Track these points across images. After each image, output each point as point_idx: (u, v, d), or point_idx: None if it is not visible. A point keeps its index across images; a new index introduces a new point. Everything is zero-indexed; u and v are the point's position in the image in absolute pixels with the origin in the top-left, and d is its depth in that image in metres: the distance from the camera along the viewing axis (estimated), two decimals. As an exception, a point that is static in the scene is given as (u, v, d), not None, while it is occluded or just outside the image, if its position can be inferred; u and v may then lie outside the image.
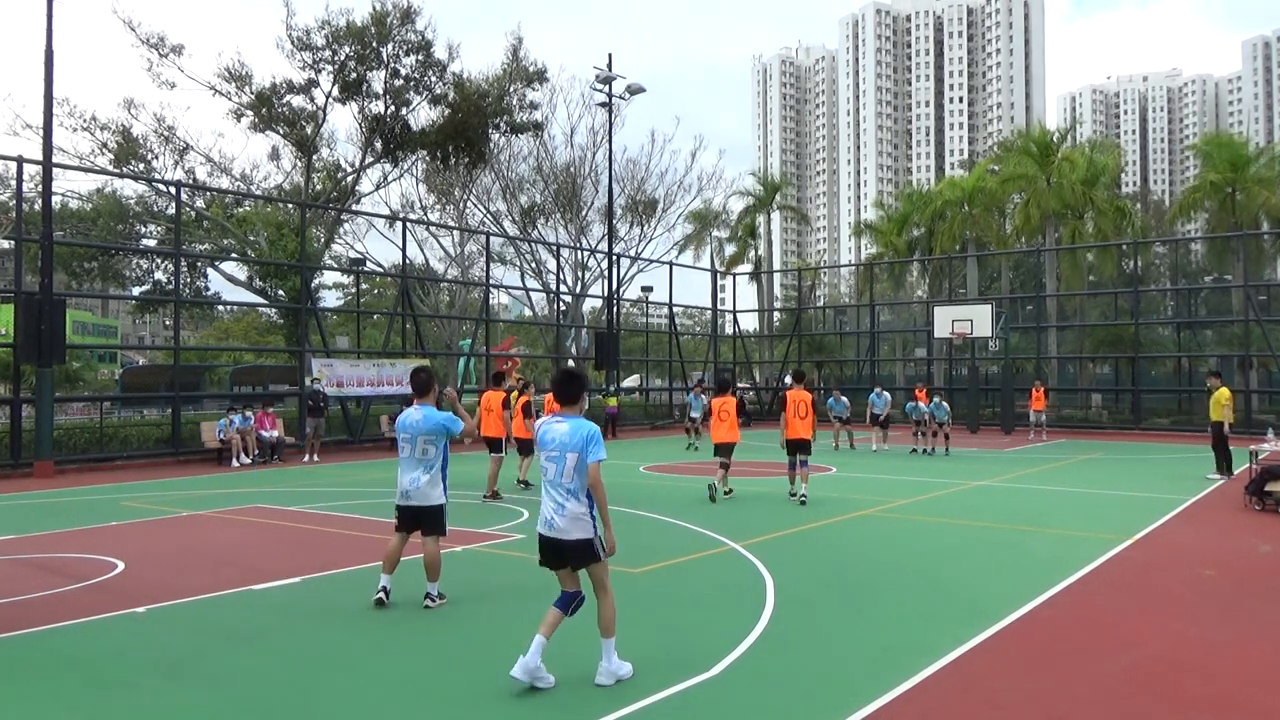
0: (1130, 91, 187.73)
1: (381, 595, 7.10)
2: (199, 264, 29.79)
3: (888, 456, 21.33)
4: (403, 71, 29.61)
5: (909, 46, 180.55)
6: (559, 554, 5.39)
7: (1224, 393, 16.41)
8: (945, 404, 23.19)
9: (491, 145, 34.05)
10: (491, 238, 35.11)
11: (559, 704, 5.08)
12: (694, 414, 25.37)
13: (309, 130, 29.72)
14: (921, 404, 22.82)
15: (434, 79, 30.06)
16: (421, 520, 7.18)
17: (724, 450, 13.56)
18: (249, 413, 20.74)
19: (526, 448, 14.70)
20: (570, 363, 39.64)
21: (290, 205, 28.91)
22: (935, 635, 6.37)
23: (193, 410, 27.00)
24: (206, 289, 31.58)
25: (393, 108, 30.00)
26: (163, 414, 24.84)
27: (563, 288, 39.40)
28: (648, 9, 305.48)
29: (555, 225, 41.07)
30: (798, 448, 13.09)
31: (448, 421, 7.15)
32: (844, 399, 24.10)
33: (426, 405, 7.20)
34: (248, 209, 31.03)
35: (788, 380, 15.50)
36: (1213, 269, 47.09)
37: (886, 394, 24.18)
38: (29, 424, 18.61)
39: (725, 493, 13.46)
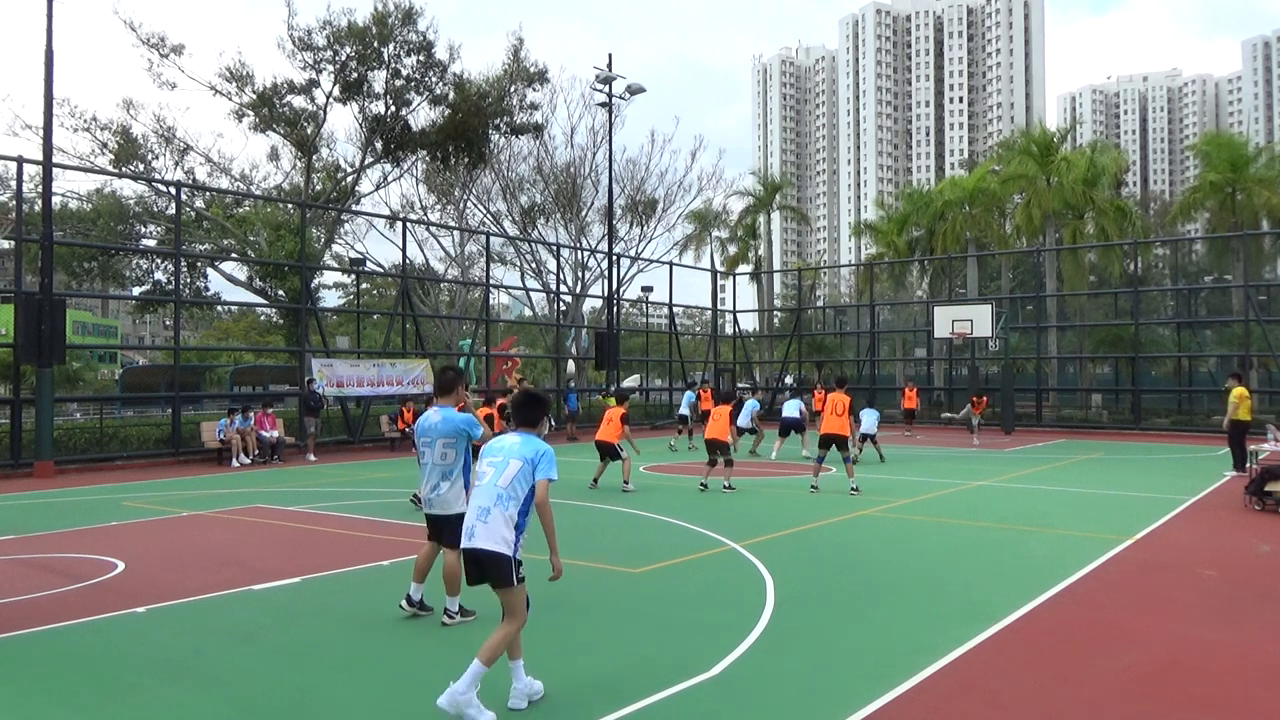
0: (1130, 91, 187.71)
1: (403, 602, 6.87)
2: (199, 264, 29.77)
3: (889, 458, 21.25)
4: (403, 72, 29.59)
5: (909, 46, 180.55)
6: (479, 568, 4.92)
7: (1235, 391, 17.11)
8: (875, 410, 20.84)
9: (491, 145, 34.03)
10: (491, 238, 35.10)
11: (558, 704, 5.07)
12: (682, 410, 25.16)
13: (309, 130, 29.70)
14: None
15: (434, 79, 30.04)
16: (444, 531, 6.73)
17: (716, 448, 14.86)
18: (249, 413, 20.75)
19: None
20: (570, 364, 39.68)
21: (290, 205, 28.90)
22: (935, 635, 6.37)
23: (193, 410, 27.02)
24: (206, 289, 31.54)
25: (393, 108, 29.99)
26: (163, 414, 24.84)
27: (563, 288, 39.40)
28: (648, 9, 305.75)
29: (555, 225, 41.07)
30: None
31: (467, 425, 6.69)
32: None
33: (446, 407, 6.77)
34: (248, 209, 31.01)
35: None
36: (1213, 269, 47.08)
37: (876, 412, 21.26)
38: (29, 424, 18.61)
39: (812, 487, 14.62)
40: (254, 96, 28.82)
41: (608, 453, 14.95)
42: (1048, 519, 11.90)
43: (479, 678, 4.72)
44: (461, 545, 5.01)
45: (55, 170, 20.45)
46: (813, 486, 14.47)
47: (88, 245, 28.31)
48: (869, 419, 20.18)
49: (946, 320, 30.16)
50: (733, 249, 49.29)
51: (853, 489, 14.16)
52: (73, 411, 34.28)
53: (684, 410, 25.03)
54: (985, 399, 28.14)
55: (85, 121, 27.82)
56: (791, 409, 21.64)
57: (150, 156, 29.47)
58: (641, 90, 30.99)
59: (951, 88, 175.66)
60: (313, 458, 21.36)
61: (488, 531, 4.84)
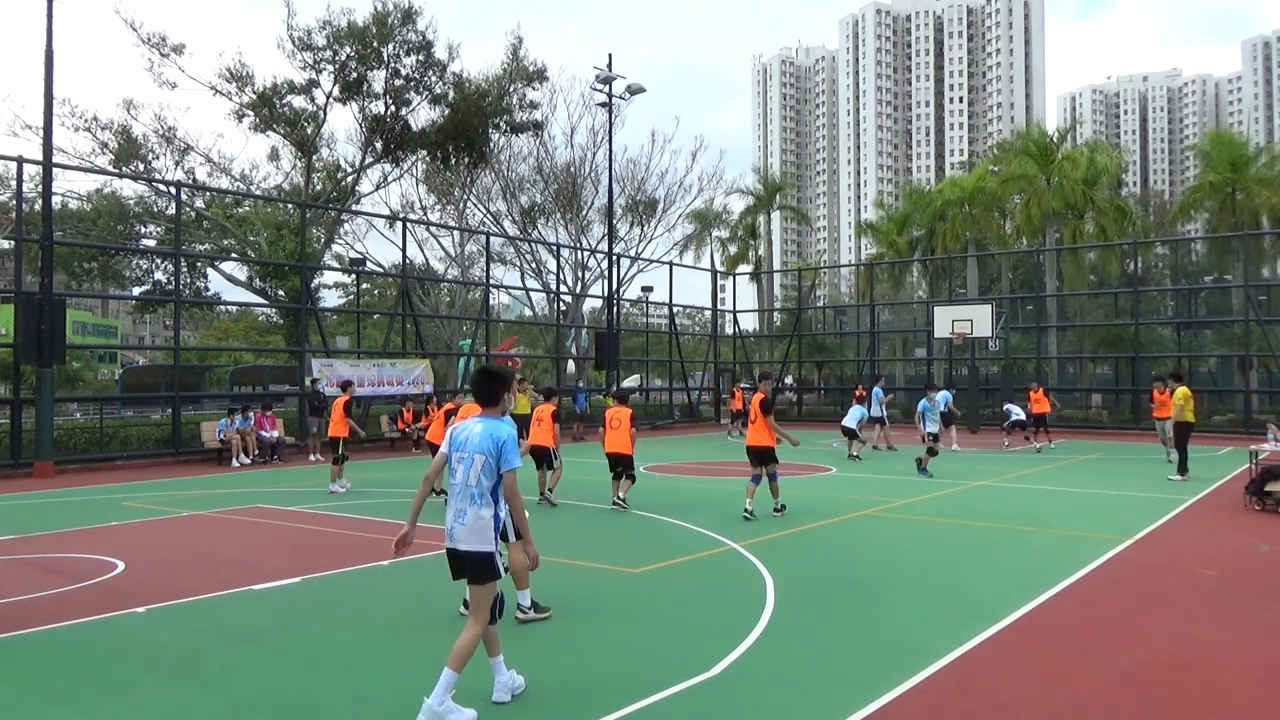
0: (1130, 91, 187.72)
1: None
2: (199, 264, 29.77)
3: (887, 457, 21.26)
4: (403, 71, 29.59)
5: (909, 46, 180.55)
6: (459, 566, 4.97)
7: (1180, 391, 16.21)
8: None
9: (491, 145, 34.02)
10: (491, 238, 35.09)
11: (559, 704, 5.07)
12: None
13: (309, 130, 29.70)
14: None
15: (434, 79, 30.04)
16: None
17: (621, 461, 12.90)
18: (249, 413, 20.74)
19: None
20: (570, 364, 39.66)
21: (290, 205, 28.90)
22: (935, 635, 6.37)
23: (193, 410, 27.01)
24: (206, 289, 31.55)
25: (393, 108, 29.99)
26: (163, 414, 24.83)
27: (563, 288, 39.39)
28: (647, 9, 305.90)
29: (555, 225, 41.05)
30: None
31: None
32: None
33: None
34: (248, 209, 31.02)
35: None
36: (1213, 269, 47.07)
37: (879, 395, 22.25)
38: (29, 424, 18.61)
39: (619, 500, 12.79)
40: (254, 96, 28.82)
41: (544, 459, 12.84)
42: (1048, 519, 11.90)
43: (452, 684, 4.72)
44: (446, 545, 5.01)
45: (55, 170, 20.45)
46: (746, 511, 11.66)
47: (88, 245, 28.31)
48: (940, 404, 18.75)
49: (946, 320, 30.16)
50: (733, 249, 49.26)
51: (776, 509, 11.95)
52: (73, 411, 34.28)
53: (878, 412, 22.80)
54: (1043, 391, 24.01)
55: (85, 121, 27.85)
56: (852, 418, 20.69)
57: (150, 156, 29.49)
58: (641, 90, 30.98)
59: (951, 88, 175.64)
60: (315, 457, 21.33)
61: (466, 532, 4.90)
